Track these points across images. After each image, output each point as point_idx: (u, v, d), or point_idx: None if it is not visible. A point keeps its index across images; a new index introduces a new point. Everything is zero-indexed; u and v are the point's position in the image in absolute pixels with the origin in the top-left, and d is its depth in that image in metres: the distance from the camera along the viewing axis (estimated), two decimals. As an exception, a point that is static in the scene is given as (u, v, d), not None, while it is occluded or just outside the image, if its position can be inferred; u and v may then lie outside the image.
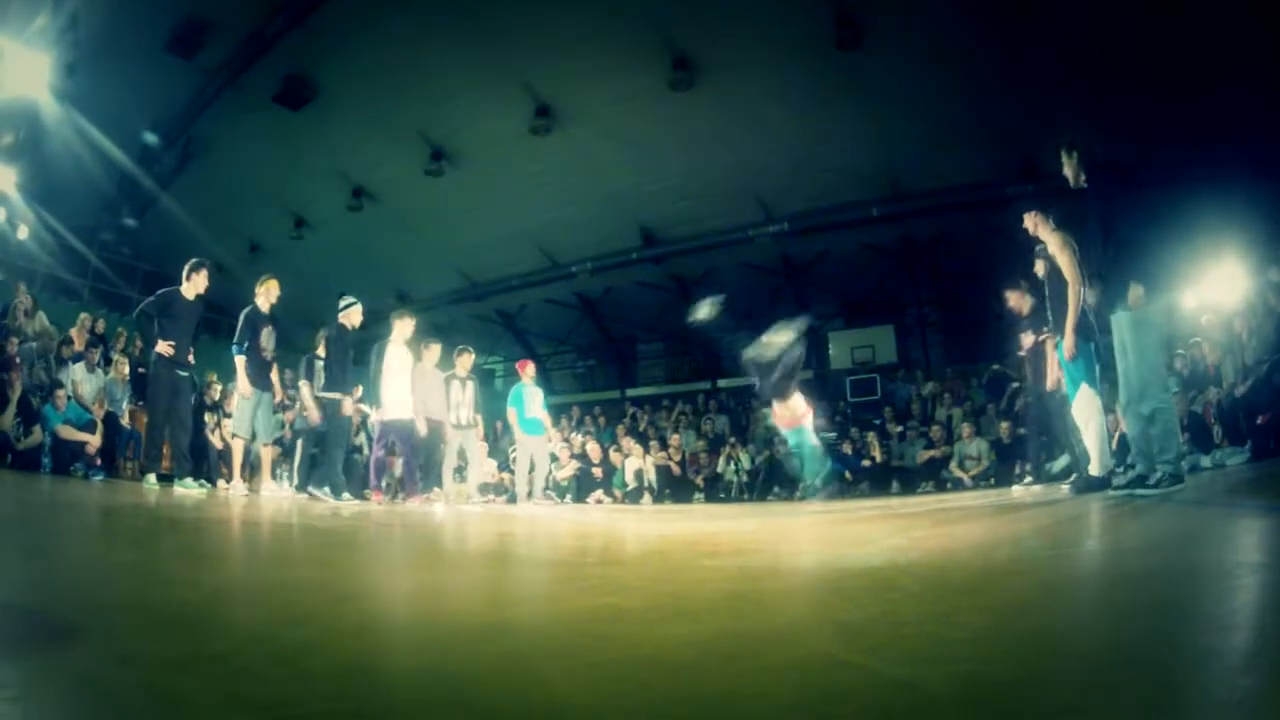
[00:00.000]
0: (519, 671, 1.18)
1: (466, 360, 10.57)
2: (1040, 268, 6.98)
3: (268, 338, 8.50)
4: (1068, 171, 5.56)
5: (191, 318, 8.43)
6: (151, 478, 8.03)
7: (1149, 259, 5.17)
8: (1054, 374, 7.87)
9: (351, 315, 9.00)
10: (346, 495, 8.73)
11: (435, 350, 10.11)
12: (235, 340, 8.41)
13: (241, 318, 8.43)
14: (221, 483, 9.33)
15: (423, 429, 9.51)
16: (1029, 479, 9.55)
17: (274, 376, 8.81)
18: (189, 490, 7.76)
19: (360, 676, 1.13)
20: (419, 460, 9.82)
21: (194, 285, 8.31)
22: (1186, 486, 4.98)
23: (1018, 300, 8.53)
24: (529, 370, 11.13)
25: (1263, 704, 0.90)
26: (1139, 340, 5.15)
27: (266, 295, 8.60)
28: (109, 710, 0.91)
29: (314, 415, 8.97)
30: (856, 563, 2.77)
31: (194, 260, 8.42)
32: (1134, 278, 5.10)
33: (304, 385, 9.21)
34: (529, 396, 10.78)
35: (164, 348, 7.99)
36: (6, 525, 3.69)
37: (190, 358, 8.36)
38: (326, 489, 8.63)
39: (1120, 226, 5.22)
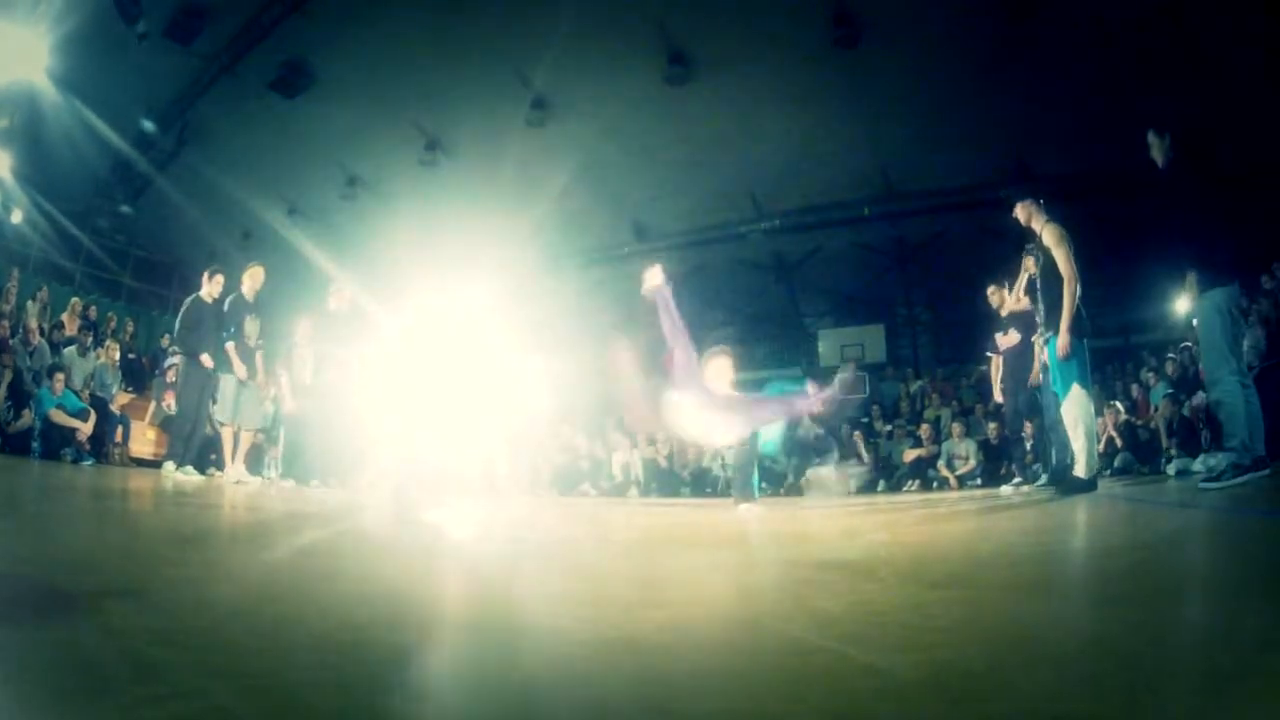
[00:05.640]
0: (491, 649, 1.20)
1: None
2: (1030, 264, 6.93)
3: (251, 325, 8.49)
4: (1156, 154, 5.42)
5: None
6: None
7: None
8: (1036, 370, 7.85)
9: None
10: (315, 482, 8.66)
11: None
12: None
13: (227, 304, 8.43)
14: (214, 470, 9.25)
15: None
16: (1018, 479, 8.93)
17: (259, 364, 8.77)
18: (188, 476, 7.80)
19: (338, 651, 1.15)
20: None
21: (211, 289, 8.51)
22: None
23: (998, 297, 8.35)
24: None
25: (1240, 697, 0.90)
26: (1204, 322, 5.12)
27: (251, 282, 8.62)
28: (90, 677, 0.92)
29: (288, 405, 8.94)
30: (835, 555, 2.79)
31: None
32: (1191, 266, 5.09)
33: (283, 374, 9.10)
34: None
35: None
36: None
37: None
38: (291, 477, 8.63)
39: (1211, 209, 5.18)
